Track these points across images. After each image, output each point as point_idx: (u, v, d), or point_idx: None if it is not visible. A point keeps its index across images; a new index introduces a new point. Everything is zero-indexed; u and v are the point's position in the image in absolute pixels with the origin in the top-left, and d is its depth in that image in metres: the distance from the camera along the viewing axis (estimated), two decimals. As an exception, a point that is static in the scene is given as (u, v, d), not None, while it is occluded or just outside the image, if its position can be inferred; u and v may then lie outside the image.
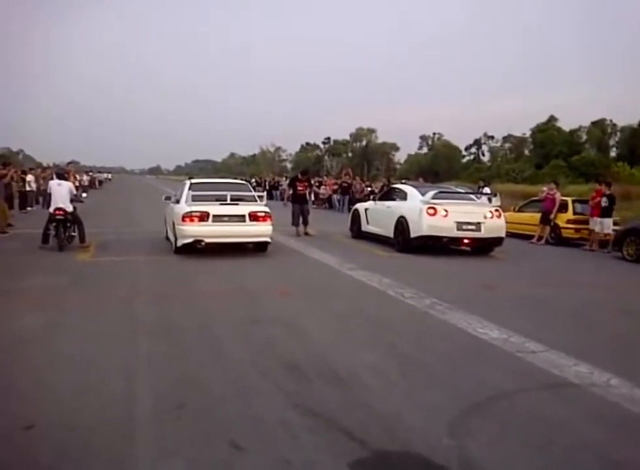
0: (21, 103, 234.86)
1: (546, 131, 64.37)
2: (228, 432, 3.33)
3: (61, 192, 10.87)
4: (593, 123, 66.41)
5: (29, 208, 20.52)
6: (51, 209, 10.85)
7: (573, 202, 15.39)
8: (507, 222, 12.35)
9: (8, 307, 6.30)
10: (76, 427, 3.37)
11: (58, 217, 10.67)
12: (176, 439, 3.24)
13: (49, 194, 11.16)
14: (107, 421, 3.46)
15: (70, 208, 10.86)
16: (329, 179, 32.45)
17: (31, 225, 13.49)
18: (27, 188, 21.40)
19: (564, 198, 15.59)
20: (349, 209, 17.56)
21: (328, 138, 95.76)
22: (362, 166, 79.64)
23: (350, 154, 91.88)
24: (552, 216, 14.82)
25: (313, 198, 21.07)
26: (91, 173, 50.98)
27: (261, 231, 10.51)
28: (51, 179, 12.35)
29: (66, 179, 11.77)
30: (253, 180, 38.33)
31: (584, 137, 66.96)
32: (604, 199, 13.87)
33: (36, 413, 3.53)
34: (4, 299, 6.68)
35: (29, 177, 21.93)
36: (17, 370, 4.38)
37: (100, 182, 52.29)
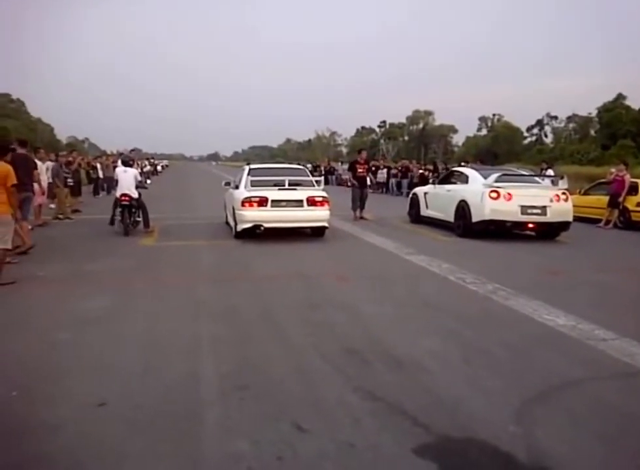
0: (86, 95, 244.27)
1: (614, 110, 61.26)
2: (291, 414, 3.36)
3: (126, 179, 11.19)
4: (666, 101, 62.94)
5: (100, 195, 21.42)
6: (117, 195, 11.23)
7: (645, 183, 14.59)
8: (572, 205, 11.87)
9: (76, 289, 6.57)
10: (144, 406, 3.48)
11: (124, 202, 11.00)
12: (241, 420, 3.30)
13: (116, 181, 11.52)
14: (173, 400, 3.56)
15: (135, 194, 11.17)
16: (385, 161, 32.11)
17: (97, 211, 14.00)
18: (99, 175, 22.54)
19: (634, 179, 14.79)
20: (408, 194, 17.34)
21: (384, 122, 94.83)
22: (419, 149, 78.55)
23: (406, 137, 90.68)
24: (621, 199, 14.10)
25: (369, 182, 20.89)
26: (152, 160, 52.40)
27: (319, 216, 10.53)
28: (117, 166, 12.75)
29: (131, 166, 12.09)
30: (309, 165, 38.38)
31: (656, 115, 63.48)
32: None
33: (106, 392, 3.66)
34: (72, 281, 6.99)
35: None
36: (84, 350, 4.53)
37: (156, 168, 53.48)
